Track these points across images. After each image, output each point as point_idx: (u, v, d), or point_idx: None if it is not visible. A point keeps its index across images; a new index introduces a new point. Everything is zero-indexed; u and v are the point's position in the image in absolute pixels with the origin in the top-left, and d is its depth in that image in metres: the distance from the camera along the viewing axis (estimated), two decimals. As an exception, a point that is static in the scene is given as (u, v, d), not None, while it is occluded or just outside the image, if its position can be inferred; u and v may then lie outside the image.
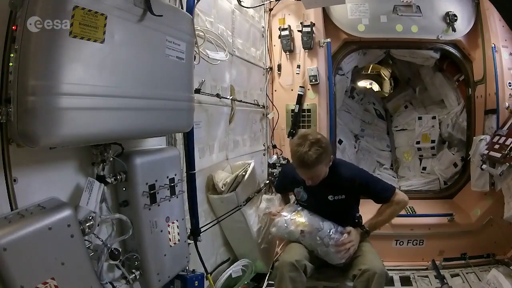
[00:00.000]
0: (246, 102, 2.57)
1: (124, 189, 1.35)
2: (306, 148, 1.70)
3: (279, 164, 2.77)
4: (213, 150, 2.14)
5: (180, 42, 1.34)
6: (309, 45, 2.82)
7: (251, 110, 2.72)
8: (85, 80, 0.98)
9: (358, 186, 1.87)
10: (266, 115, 2.98)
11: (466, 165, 3.19)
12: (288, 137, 2.97)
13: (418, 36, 2.94)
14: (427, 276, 2.69)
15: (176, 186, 1.53)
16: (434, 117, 3.91)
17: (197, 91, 1.80)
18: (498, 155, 2.42)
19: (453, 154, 3.54)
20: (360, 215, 2.04)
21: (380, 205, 1.92)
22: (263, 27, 2.91)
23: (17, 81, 0.89)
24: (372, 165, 4.12)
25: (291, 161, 1.97)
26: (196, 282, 1.64)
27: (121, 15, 1.07)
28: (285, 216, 1.91)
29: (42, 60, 0.88)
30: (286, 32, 2.85)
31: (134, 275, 1.36)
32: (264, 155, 2.97)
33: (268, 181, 2.80)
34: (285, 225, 1.89)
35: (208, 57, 1.79)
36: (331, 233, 1.80)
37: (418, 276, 2.70)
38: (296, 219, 1.89)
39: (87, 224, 1.14)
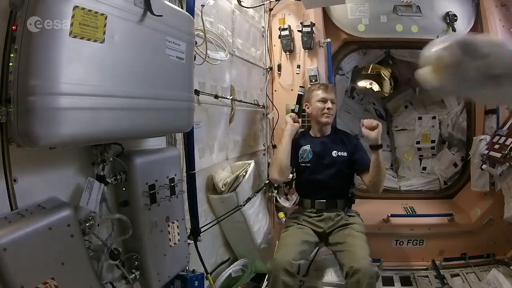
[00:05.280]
0: (246, 102, 2.57)
1: (124, 189, 1.35)
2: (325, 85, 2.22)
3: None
4: (213, 150, 2.14)
5: (180, 42, 1.34)
6: (309, 45, 2.82)
7: (251, 110, 2.72)
8: (85, 80, 0.98)
9: (354, 145, 2.16)
10: (266, 115, 2.98)
11: (466, 165, 3.18)
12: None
13: (418, 36, 2.92)
14: (427, 276, 2.69)
15: (176, 186, 1.53)
16: (434, 117, 3.89)
17: (197, 92, 1.80)
18: (498, 155, 2.41)
19: (453, 154, 3.52)
20: (352, 191, 2.22)
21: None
22: (263, 27, 2.91)
23: (17, 81, 0.88)
24: (372, 165, 4.11)
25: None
26: (196, 282, 1.65)
27: (121, 15, 1.07)
28: None
29: (42, 60, 0.88)
30: (286, 32, 2.85)
31: (134, 275, 1.36)
32: (264, 155, 2.97)
33: (268, 181, 2.80)
34: None
35: (208, 57, 1.79)
36: None
37: (418, 276, 2.69)
38: None
39: (87, 224, 1.14)
